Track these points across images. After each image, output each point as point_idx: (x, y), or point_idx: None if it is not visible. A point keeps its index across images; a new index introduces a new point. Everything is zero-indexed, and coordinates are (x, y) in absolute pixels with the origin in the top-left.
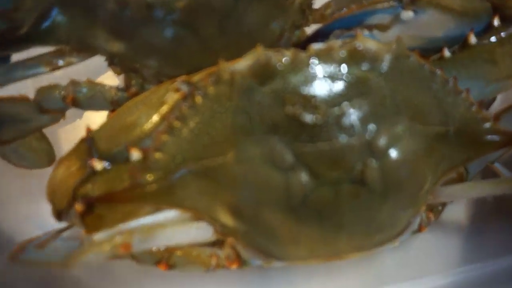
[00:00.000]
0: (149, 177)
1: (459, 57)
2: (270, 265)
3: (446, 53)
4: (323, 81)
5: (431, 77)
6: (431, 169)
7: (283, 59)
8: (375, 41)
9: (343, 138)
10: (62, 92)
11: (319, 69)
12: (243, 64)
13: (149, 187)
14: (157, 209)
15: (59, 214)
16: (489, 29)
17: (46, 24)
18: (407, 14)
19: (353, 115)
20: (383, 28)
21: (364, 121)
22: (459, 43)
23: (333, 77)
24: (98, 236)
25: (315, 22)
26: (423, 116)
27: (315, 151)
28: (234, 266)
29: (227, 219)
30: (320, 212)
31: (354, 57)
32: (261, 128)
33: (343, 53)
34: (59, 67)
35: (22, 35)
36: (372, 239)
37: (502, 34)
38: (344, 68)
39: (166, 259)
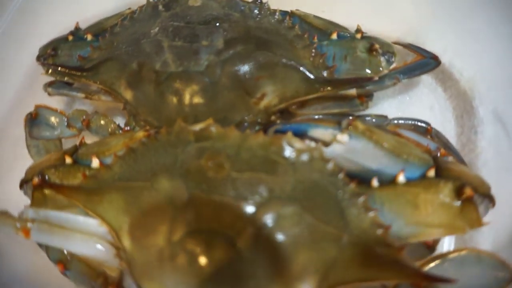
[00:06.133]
0: (89, 184)
1: (386, 190)
2: None
3: (375, 182)
4: (241, 154)
5: (341, 186)
6: (316, 267)
7: (221, 130)
8: (300, 141)
9: (234, 200)
10: (84, 116)
11: (242, 144)
12: (198, 126)
13: (83, 191)
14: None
15: (22, 184)
16: (422, 177)
17: (99, 69)
18: (342, 137)
19: (250, 185)
20: (324, 143)
21: (258, 193)
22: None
23: (249, 152)
24: (25, 211)
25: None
26: (318, 212)
27: (207, 201)
28: None
29: (126, 240)
30: (189, 252)
31: (275, 144)
32: (179, 170)
33: (265, 138)
34: (92, 98)
35: (82, 72)
36: None
37: (431, 183)
38: (261, 149)
39: (66, 261)
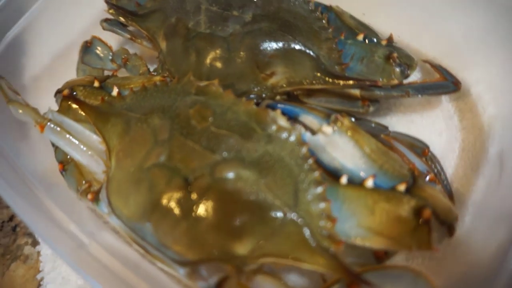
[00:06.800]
0: (103, 107)
1: (350, 189)
2: (109, 216)
3: (343, 180)
4: (226, 114)
5: (305, 170)
6: (255, 233)
7: (219, 90)
8: (285, 120)
9: (204, 149)
10: (125, 55)
11: (232, 106)
12: (203, 83)
13: (96, 111)
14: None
15: (56, 93)
16: (391, 189)
17: (147, 17)
18: (327, 129)
19: (222, 142)
20: (312, 131)
21: (226, 150)
22: (359, 182)
23: (234, 115)
24: (47, 112)
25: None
26: (273, 185)
27: (182, 143)
28: (90, 197)
29: (113, 161)
30: (152, 181)
31: (260, 117)
32: (172, 113)
33: (254, 108)
34: (135, 41)
35: (134, 16)
36: (171, 236)
37: (396, 195)
38: (246, 115)
39: (66, 163)
